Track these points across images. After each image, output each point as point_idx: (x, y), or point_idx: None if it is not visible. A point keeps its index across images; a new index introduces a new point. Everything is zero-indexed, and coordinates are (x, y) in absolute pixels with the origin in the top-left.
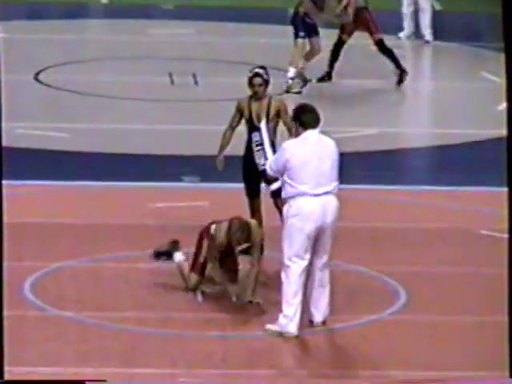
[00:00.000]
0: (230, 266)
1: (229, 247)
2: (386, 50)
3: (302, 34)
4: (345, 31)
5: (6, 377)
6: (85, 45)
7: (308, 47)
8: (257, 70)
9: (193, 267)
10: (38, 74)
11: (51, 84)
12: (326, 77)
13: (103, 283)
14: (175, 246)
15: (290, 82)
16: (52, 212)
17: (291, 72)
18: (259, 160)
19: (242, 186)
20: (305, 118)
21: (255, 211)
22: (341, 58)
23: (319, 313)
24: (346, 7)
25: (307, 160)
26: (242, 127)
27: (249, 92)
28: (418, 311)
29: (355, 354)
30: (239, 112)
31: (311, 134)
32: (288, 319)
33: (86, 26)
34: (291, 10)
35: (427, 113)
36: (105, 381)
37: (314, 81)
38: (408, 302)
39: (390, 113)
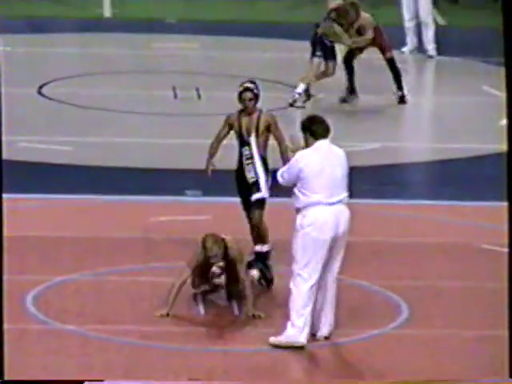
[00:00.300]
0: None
1: (206, 264)
2: (395, 70)
3: (318, 53)
4: (357, 48)
5: None
6: (88, 59)
7: (322, 67)
8: (247, 85)
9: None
10: (41, 87)
11: (54, 97)
12: (351, 93)
13: (105, 297)
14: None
15: (297, 96)
16: (54, 225)
17: (300, 88)
18: (249, 173)
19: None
20: (315, 128)
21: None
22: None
23: (326, 326)
24: (358, 30)
25: (320, 169)
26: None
27: (239, 106)
28: (419, 325)
29: (359, 368)
30: (228, 126)
31: (322, 144)
32: (297, 330)
33: (90, 39)
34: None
35: (429, 127)
36: (102, 380)
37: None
38: (410, 316)
39: (392, 127)
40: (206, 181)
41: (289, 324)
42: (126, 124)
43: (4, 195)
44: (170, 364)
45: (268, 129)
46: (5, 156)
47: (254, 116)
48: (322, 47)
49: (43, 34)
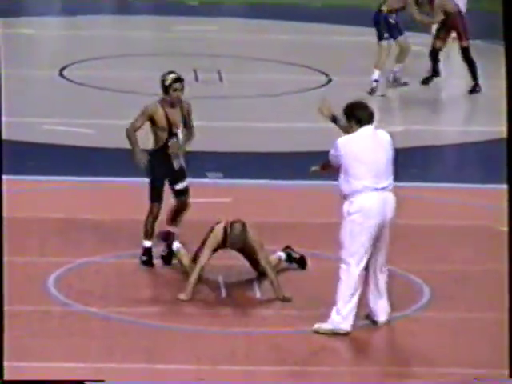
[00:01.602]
0: None
1: (222, 246)
2: (469, 60)
3: (385, 35)
4: (439, 37)
5: (34, 372)
6: (109, 41)
7: (396, 48)
8: (178, 75)
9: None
10: (62, 69)
11: (76, 80)
12: (433, 76)
13: (127, 279)
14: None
15: (374, 84)
16: (76, 208)
17: (375, 74)
18: (176, 162)
19: (264, 182)
20: (359, 115)
21: (157, 215)
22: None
23: (383, 313)
24: (430, 3)
25: (363, 155)
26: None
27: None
28: (441, 309)
29: (379, 350)
30: (148, 118)
31: (366, 130)
32: (342, 317)
33: (111, 22)
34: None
35: (454, 111)
36: (103, 380)
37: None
38: (432, 299)
39: (418, 111)
40: (226, 163)
41: (334, 311)
42: None
43: (26, 177)
44: (192, 346)
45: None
46: (26, 138)
47: (178, 107)
48: (388, 27)
49: (65, 16)
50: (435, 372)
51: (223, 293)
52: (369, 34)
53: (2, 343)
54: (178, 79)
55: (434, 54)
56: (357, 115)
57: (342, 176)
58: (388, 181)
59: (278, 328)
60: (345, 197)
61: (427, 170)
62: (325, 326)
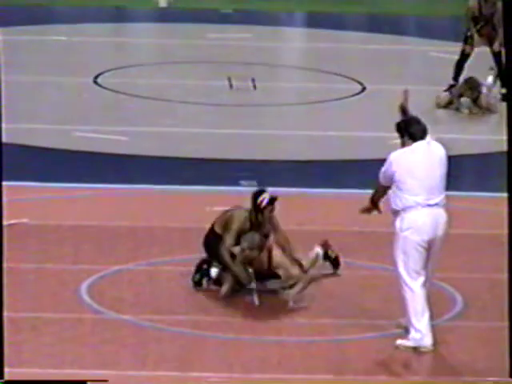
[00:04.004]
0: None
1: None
2: (499, 65)
3: None
4: (468, 43)
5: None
6: (143, 48)
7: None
8: (272, 195)
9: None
10: (97, 77)
11: (110, 87)
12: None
13: (160, 286)
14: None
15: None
16: (110, 215)
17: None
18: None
19: (298, 190)
20: (413, 131)
21: None
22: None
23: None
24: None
25: (416, 170)
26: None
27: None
28: (474, 318)
29: (410, 359)
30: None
31: (420, 145)
32: (421, 334)
33: (145, 29)
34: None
35: (482, 119)
36: (106, 381)
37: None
38: (464, 308)
39: (447, 119)
40: (261, 171)
41: (412, 329)
42: (182, 114)
43: (60, 185)
44: (223, 354)
45: None
46: (61, 146)
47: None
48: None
49: (98, 23)
50: (468, 381)
51: (256, 300)
52: (405, 43)
53: (2, 344)
54: (273, 200)
55: (463, 61)
56: (410, 131)
57: (393, 191)
58: (440, 197)
59: (311, 336)
60: (396, 212)
61: (457, 178)
62: (407, 343)
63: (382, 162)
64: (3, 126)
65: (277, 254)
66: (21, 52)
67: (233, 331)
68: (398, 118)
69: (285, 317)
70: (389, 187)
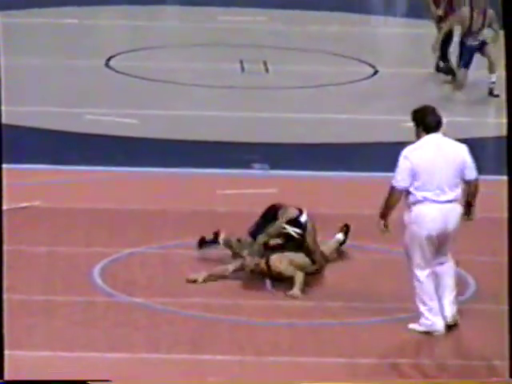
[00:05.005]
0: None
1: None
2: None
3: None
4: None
5: (78, 362)
6: (156, 31)
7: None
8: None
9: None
10: (109, 60)
11: (122, 70)
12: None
13: (172, 269)
14: (217, 236)
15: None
16: (122, 198)
17: (493, 77)
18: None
19: (310, 173)
20: (429, 122)
21: None
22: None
23: (449, 314)
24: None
25: (428, 166)
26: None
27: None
28: (486, 301)
29: (422, 343)
30: None
31: (432, 138)
32: (431, 320)
33: (158, 12)
34: None
35: (497, 103)
36: (108, 381)
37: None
38: (477, 291)
39: (463, 102)
40: (273, 154)
41: (421, 317)
42: (193, 97)
43: (72, 168)
44: (236, 337)
45: None
46: (72, 129)
47: None
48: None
49: (109, 6)
50: (481, 365)
51: (268, 284)
52: (419, 27)
53: (2, 344)
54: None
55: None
56: (425, 121)
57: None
58: (453, 193)
59: (322, 320)
60: (408, 205)
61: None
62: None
63: (394, 144)
64: (16, 109)
65: (278, 266)
66: (33, 35)
67: (245, 314)
68: (409, 101)
69: (296, 300)
70: (400, 197)
